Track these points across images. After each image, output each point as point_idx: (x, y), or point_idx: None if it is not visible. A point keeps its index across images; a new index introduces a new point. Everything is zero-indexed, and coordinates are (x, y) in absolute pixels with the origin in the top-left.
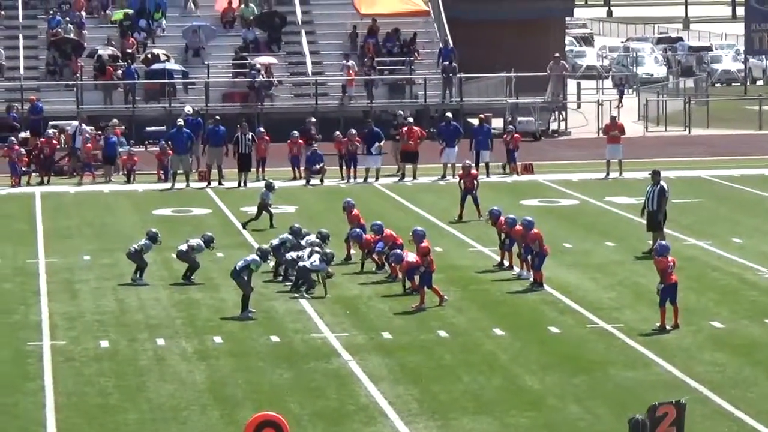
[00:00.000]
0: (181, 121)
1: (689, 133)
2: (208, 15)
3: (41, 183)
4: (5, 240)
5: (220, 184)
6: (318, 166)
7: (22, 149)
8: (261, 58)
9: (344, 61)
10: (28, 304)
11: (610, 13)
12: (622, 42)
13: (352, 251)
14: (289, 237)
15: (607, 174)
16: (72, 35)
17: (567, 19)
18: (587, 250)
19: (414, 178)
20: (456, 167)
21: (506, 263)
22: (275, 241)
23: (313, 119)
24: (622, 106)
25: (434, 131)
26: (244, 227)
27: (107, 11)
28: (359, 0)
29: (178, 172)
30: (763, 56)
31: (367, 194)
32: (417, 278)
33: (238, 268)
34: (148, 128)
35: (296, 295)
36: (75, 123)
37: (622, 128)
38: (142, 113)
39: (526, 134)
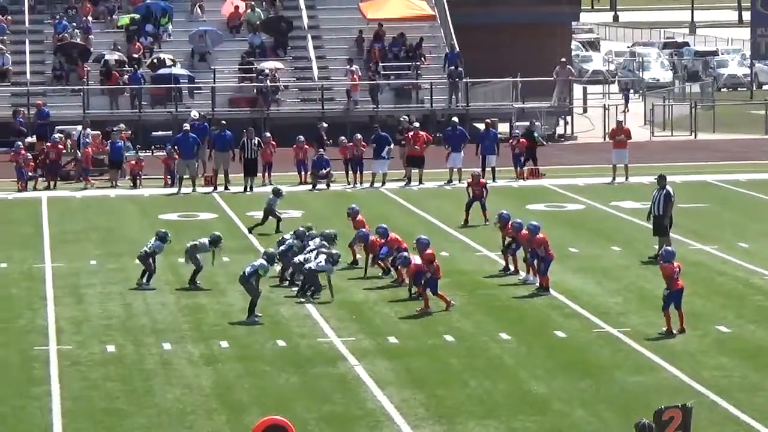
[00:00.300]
0: (187, 126)
1: (695, 137)
2: (215, 20)
3: (48, 188)
4: (12, 244)
5: (226, 188)
6: (324, 171)
7: (29, 154)
8: (267, 63)
9: (347, 66)
10: (35, 308)
11: (616, 18)
12: (629, 47)
13: (358, 255)
14: (295, 242)
15: (613, 179)
16: (78, 40)
17: (573, 23)
18: (593, 255)
19: (420, 182)
20: (462, 172)
21: (512, 268)
22: (283, 248)
23: (325, 124)
24: (628, 110)
25: (440, 136)
26: (249, 232)
27: (114, 16)
28: (365, 5)
29: (185, 176)
30: None
31: (374, 199)
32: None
33: (246, 274)
34: (154, 133)
35: (302, 299)
36: (79, 128)
37: (628, 133)
38: (148, 118)
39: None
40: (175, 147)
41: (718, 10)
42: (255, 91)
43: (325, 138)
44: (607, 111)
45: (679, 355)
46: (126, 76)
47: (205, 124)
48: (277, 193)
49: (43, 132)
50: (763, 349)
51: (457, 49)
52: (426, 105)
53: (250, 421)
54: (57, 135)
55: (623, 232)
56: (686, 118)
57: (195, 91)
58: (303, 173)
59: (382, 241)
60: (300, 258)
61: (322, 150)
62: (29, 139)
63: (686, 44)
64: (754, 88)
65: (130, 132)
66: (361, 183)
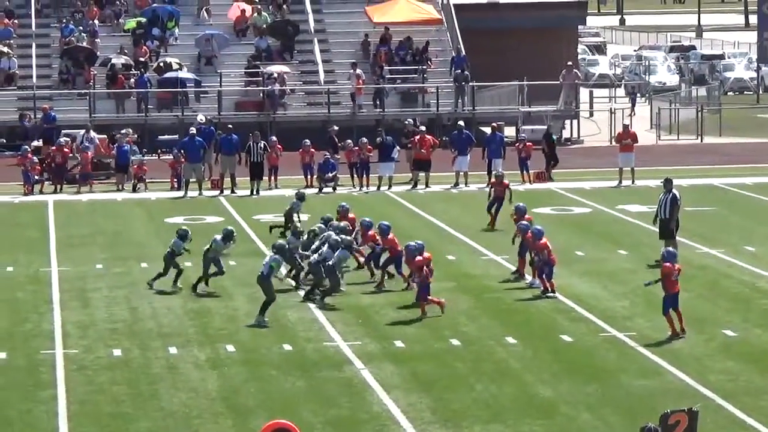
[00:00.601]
0: (193, 130)
1: (701, 141)
2: (221, 24)
3: (54, 191)
4: (18, 248)
5: (232, 192)
6: (330, 175)
7: (35, 158)
8: (273, 66)
9: (351, 70)
10: (41, 312)
11: (622, 22)
12: (635, 50)
13: (361, 258)
14: (295, 241)
15: (620, 182)
16: (85, 44)
17: (579, 27)
18: (600, 259)
19: (426, 186)
20: (468, 175)
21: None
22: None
23: (336, 127)
24: (634, 114)
25: (447, 140)
26: (270, 231)
27: (120, 20)
28: (372, 8)
29: (191, 180)
30: None
31: (380, 202)
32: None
33: (264, 273)
34: (160, 137)
35: (315, 300)
36: (82, 132)
37: (634, 137)
38: (154, 122)
39: (539, 143)
40: (182, 151)
41: (724, 14)
42: (261, 94)
43: (337, 141)
44: (613, 114)
45: (685, 358)
46: (132, 80)
47: (212, 127)
48: (300, 196)
49: (50, 136)
50: None
51: (464, 52)
52: (432, 109)
53: (257, 425)
54: (63, 139)
55: (630, 235)
56: (693, 122)
57: (201, 95)
58: (309, 177)
59: (378, 239)
60: (315, 257)
61: (336, 153)
62: (36, 143)
63: (693, 48)
64: (761, 92)
65: (136, 136)
66: (367, 186)
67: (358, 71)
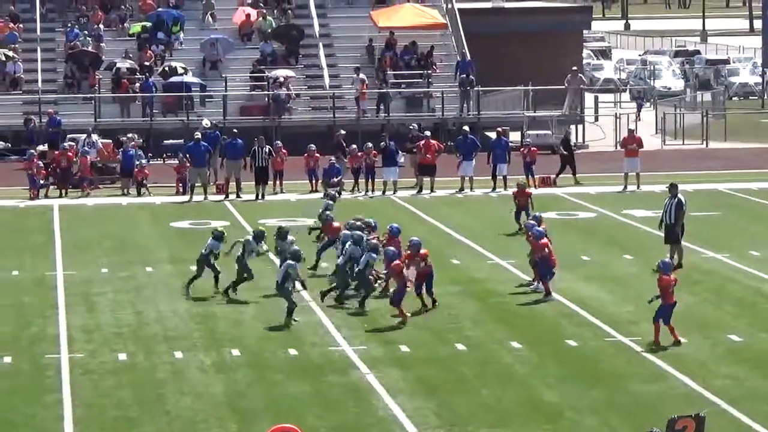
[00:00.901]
0: (198, 134)
1: (707, 146)
2: (226, 28)
3: (59, 196)
4: (24, 252)
5: (237, 196)
6: (335, 180)
7: (40, 162)
8: (278, 71)
9: (355, 75)
10: (46, 316)
11: (627, 26)
12: (640, 55)
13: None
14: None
15: (625, 187)
16: (90, 48)
17: (584, 32)
18: (605, 263)
19: (431, 191)
20: (474, 180)
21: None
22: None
23: (343, 132)
24: (640, 119)
25: (452, 144)
26: (309, 233)
27: (125, 24)
28: (377, 13)
29: (196, 184)
30: None
31: (385, 207)
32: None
33: (280, 281)
34: (165, 141)
35: (357, 305)
36: (83, 136)
37: (640, 141)
38: (159, 126)
39: (544, 147)
40: (187, 155)
41: (729, 19)
42: (266, 99)
43: (345, 145)
44: (618, 119)
45: (691, 363)
46: (137, 84)
47: (217, 132)
48: (331, 197)
49: (55, 140)
50: None
51: (469, 57)
52: (437, 113)
53: (261, 430)
54: (67, 143)
55: (635, 240)
56: (698, 127)
57: (206, 100)
58: (314, 181)
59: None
60: (340, 261)
61: (344, 157)
62: (41, 147)
63: (697, 53)
64: (766, 97)
65: (141, 140)
66: (372, 191)
67: (362, 76)
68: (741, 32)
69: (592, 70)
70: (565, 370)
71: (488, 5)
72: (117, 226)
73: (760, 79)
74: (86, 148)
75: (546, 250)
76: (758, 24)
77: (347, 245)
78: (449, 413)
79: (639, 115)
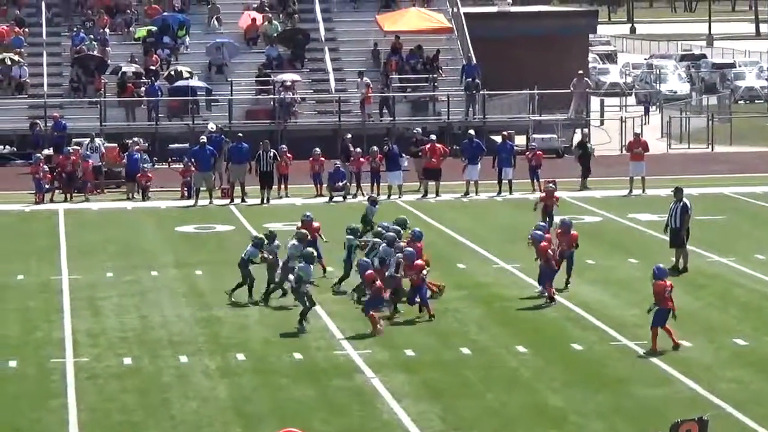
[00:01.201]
0: (204, 139)
1: (712, 150)
2: (232, 32)
3: (65, 200)
4: (29, 257)
5: (243, 200)
6: (340, 184)
7: (46, 166)
8: (284, 75)
9: (359, 79)
10: (51, 320)
11: (633, 30)
12: (646, 59)
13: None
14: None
15: (630, 191)
16: (96, 52)
17: (590, 36)
18: (610, 267)
19: (437, 195)
20: (479, 184)
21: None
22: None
23: (350, 135)
24: (648, 123)
25: (457, 148)
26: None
27: (131, 28)
28: (382, 17)
29: (201, 189)
30: None
31: (391, 211)
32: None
33: (294, 284)
34: (171, 145)
35: (397, 317)
36: (86, 140)
37: (645, 145)
38: (165, 130)
39: (549, 151)
40: (192, 159)
41: (735, 23)
42: (272, 103)
43: (351, 149)
44: (624, 123)
45: (696, 367)
46: (143, 88)
47: (222, 136)
48: (373, 201)
49: (61, 144)
50: None
51: (474, 61)
52: (443, 117)
53: None
54: (72, 147)
55: (640, 244)
56: (703, 131)
57: (212, 104)
58: (319, 185)
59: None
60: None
61: (347, 162)
62: (46, 151)
63: (703, 56)
64: None
65: (147, 144)
66: (377, 195)
67: (366, 80)
68: (747, 36)
69: (597, 74)
70: (571, 375)
71: (494, 9)
72: (122, 230)
73: (766, 83)
74: (88, 153)
75: (543, 254)
76: (764, 28)
77: (381, 247)
78: (454, 417)
79: (647, 118)
